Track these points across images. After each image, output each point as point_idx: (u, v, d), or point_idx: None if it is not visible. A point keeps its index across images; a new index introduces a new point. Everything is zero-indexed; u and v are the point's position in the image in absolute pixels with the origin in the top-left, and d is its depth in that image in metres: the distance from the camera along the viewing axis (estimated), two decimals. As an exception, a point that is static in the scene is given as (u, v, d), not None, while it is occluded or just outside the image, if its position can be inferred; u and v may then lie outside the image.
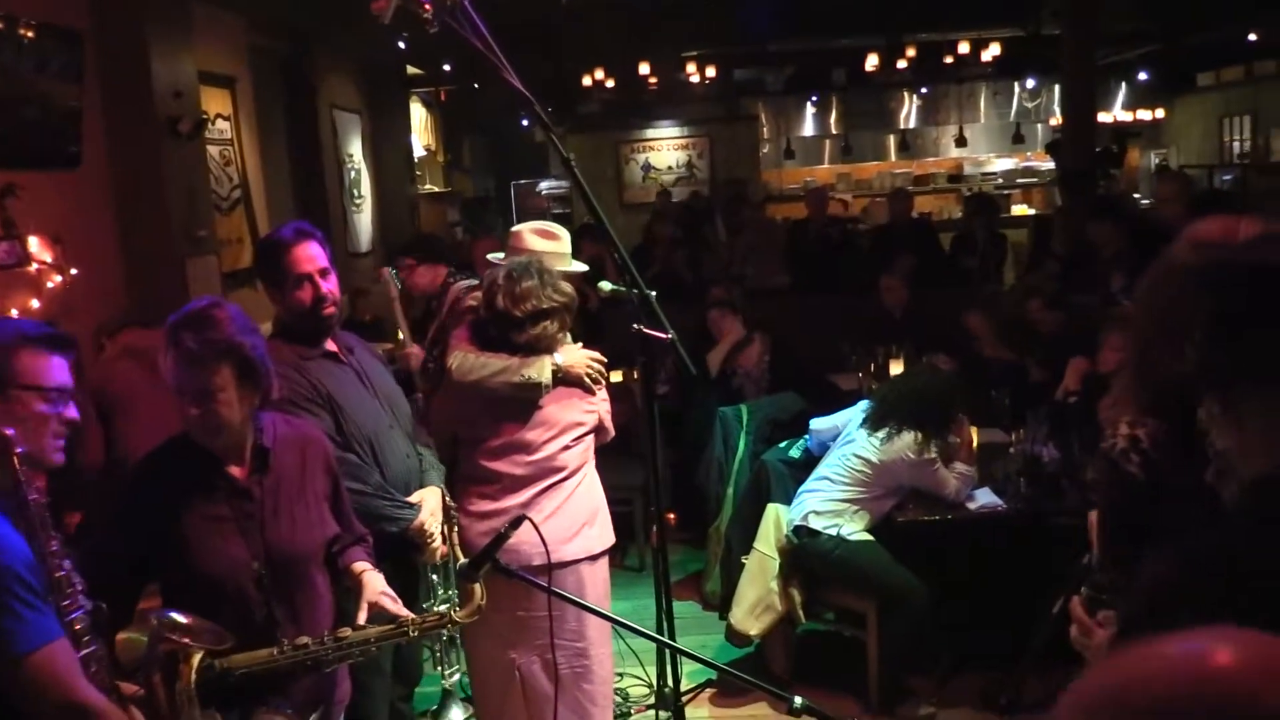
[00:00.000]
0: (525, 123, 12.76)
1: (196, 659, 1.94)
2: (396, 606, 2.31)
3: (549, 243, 3.53)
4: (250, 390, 2.20)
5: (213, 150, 5.71)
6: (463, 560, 2.22)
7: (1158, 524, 2.14)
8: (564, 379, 3.18)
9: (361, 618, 2.26)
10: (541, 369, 3.12)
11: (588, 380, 3.22)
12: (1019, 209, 12.61)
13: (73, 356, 1.98)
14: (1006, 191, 13.05)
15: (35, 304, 3.62)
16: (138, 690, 1.98)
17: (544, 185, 14.28)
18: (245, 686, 2.07)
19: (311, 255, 2.88)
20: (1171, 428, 2.11)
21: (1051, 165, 10.54)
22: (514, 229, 3.69)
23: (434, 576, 3.10)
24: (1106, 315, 4.73)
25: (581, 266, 3.65)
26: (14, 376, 1.88)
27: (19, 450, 1.82)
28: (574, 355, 3.23)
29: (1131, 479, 2.16)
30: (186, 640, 1.96)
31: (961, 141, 13.45)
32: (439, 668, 2.66)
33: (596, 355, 3.30)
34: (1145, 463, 2.15)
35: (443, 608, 2.34)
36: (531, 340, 3.14)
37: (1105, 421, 2.29)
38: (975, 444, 4.25)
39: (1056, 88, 11.79)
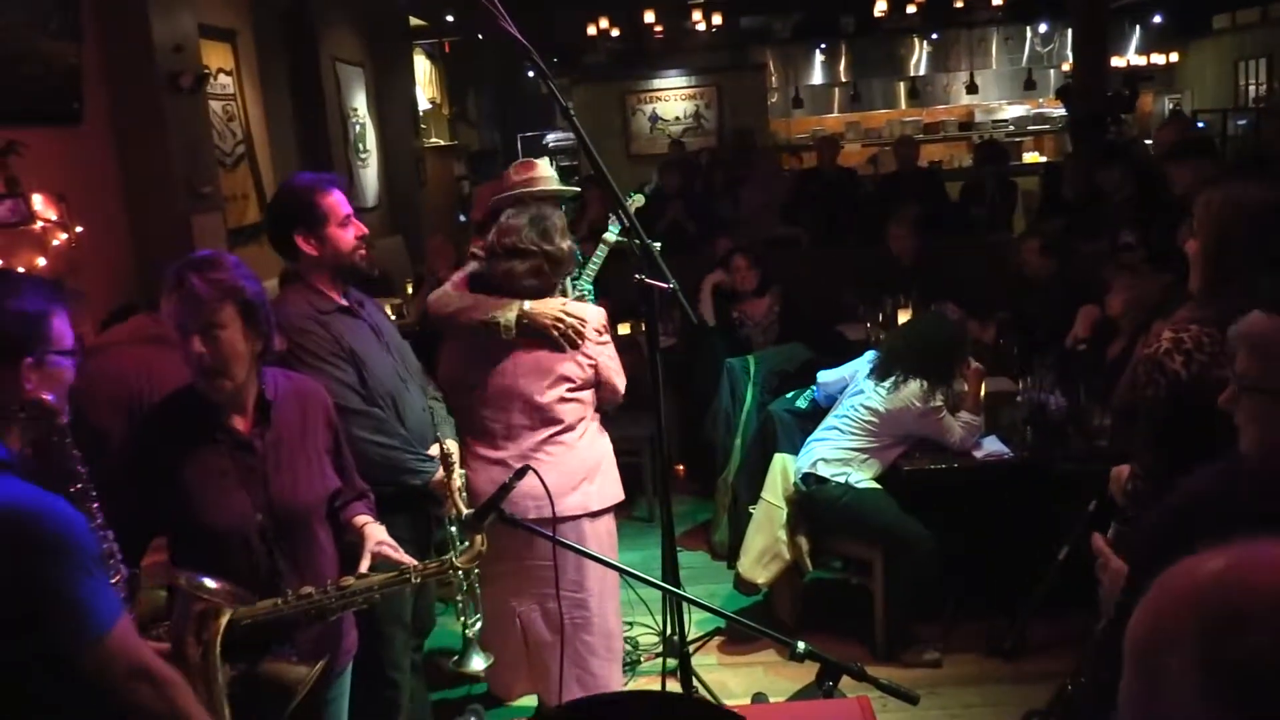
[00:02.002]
0: (530, 74, 12.66)
1: (224, 619, 1.97)
2: (398, 554, 2.34)
3: (528, 173, 3.54)
4: (253, 335, 2.21)
5: (215, 105, 5.67)
6: (466, 511, 2.24)
7: (1198, 424, 2.24)
8: (530, 325, 3.15)
9: (363, 566, 2.29)
10: (506, 311, 3.12)
11: (555, 333, 3.16)
12: (1030, 156, 12.49)
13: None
14: (1018, 139, 12.90)
15: (41, 262, 3.62)
16: (160, 646, 1.98)
17: (550, 137, 14.18)
18: (250, 637, 2.10)
19: (344, 199, 2.90)
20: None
21: (1063, 111, 10.40)
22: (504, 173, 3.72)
23: (453, 529, 3.13)
24: (1115, 262, 4.70)
25: (573, 189, 3.68)
26: (51, 341, 1.81)
27: (65, 420, 1.80)
28: (545, 305, 3.19)
29: (1174, 376, 2.24)
30: (212, 598, 1.98)
31: (972, 88, 13.29)
32: (461, 617, 2.74)
33: (573, 310, 3.22)
34: (1188, 361, 2.22)
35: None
36: (500, 275, 3.14)
37: (1154, 335, 2.36)
38: (983, 393, 4.25)
39: (1069, 32, 11.61)
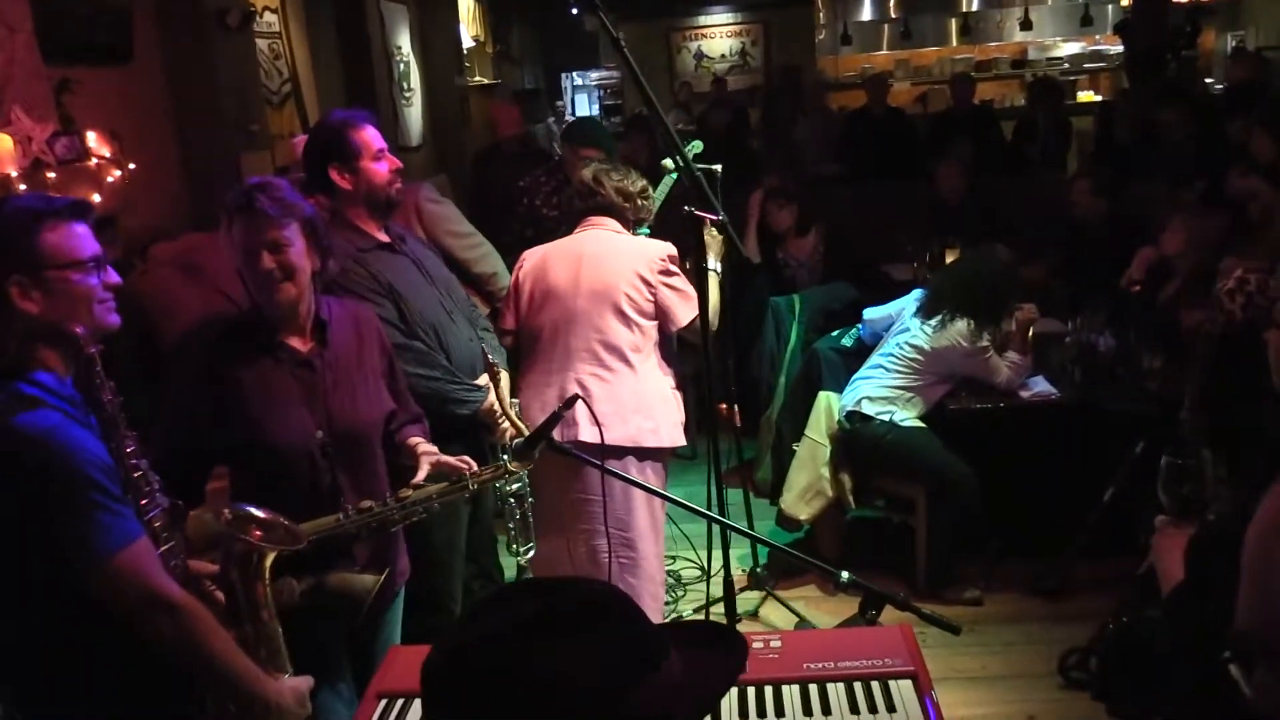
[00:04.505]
0: (574, 10, 12.52)
1: (270, 559, 1.98)
2: (452, 462, 2.38)
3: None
4: (315, 253, 2.30)
5: (261, 44, 5.68)
6: (519, 439, 2.27)
7: (1241, 365, 2.27)
8: None
9: (421, 474, 2.33)
10: None
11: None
12: (1085, 95, 12.17)
13: (92, 220, 1.87)
14: (1073, 77, 12.56)
15: (96, 198, 3.67)
16: (212, 568, 2.04)
17: (594, 75, 14.06)
18: (312, 552, 2.15)
19: (377, 134, 2.93)
20: None
21: (1121, 49, 10.11)
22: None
23: (505, 456, 3.18)
24: (1171, 202, 4.62)
25: None
26: (43, 258, 1.77)
27: (93, 350, 1.79)
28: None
29: (1230, 315, 2.25)
30: (259, 534, 1.97)
31: (1027, 24, 12.92)
32: (513, 545, 2.79)
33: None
34: (1247, 304, 2.23)
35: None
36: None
37: (1225, 271, 2.37)
38: (1031, 333, 4.21)
39: (1129, -36, 11.25)
